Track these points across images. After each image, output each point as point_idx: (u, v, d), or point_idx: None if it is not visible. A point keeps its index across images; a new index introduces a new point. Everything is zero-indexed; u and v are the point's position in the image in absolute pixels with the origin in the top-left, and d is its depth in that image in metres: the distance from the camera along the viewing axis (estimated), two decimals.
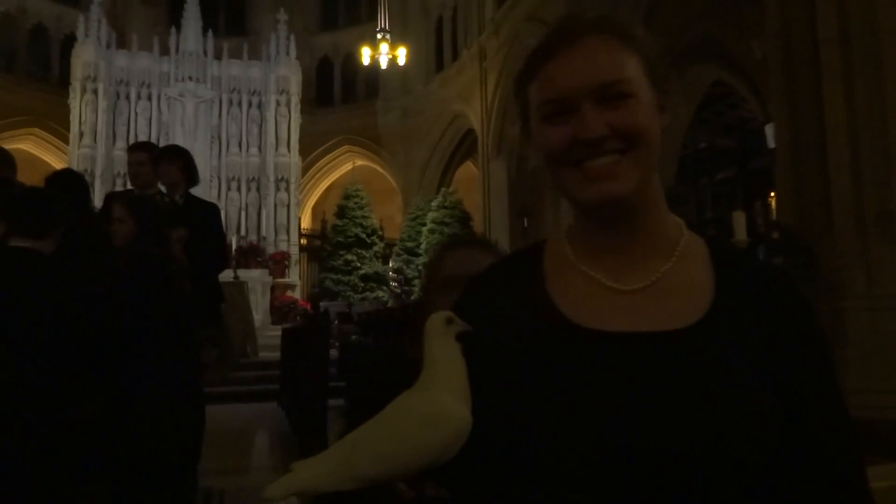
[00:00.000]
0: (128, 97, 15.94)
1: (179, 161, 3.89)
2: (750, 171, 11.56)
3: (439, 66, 18.24)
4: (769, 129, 8.56)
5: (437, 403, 0.68)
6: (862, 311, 5.01)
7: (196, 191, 3.99)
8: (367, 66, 17.46)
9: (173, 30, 16.47)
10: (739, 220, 5.78)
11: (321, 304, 10.99)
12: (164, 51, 16.23)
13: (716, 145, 13.17)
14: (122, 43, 16.40)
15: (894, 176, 4.98)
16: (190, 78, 16.12)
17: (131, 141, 15.43)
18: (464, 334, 0.76)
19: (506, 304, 0.83)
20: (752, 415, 0.72)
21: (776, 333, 0.77)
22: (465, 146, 17.94)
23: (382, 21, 17.06)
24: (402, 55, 16.88)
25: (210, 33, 16.56)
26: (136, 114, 15.90)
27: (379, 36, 16.83)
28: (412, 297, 15.61)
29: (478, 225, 16.02)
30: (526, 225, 14.48)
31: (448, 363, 0.70)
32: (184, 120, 15.98)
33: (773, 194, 9.51)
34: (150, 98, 16.03)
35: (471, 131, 16.85)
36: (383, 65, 16.95)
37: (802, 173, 5.67)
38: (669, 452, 0.70)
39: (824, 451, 0.77)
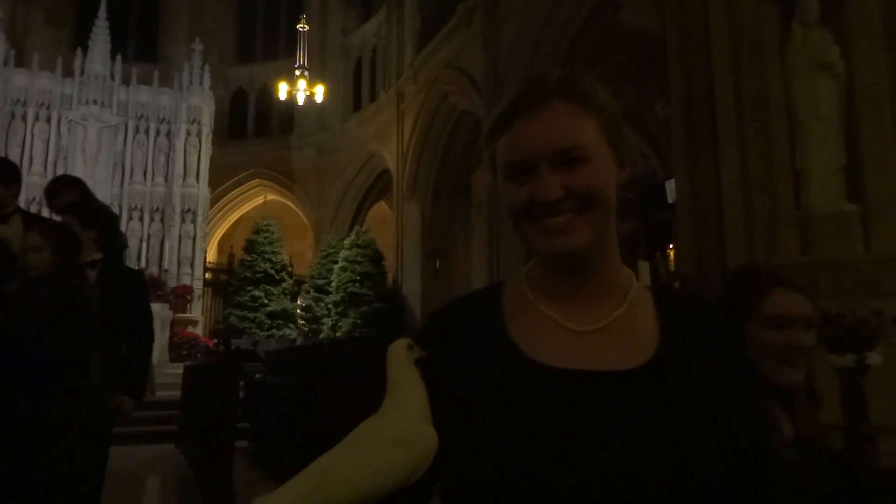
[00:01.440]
0: (24, 118, 15.09)
1: (77, 191, 3.69)
2: (651, 224, 12.25)
3: (357, 106, 18.35)
4: (669, 185, 9.11)
5: (408, 425, 0.70)
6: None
7: None
8: (283, 101, 17.35)
9: (79, 51, 15.81)
10: (644, 269, 6.11)
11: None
12: (68, 72, 15.53)
13: (620, 198, 13.84)
14: (22, 61, 15.59)
15: (781, 234, 5.41)
16: (94, 102, 15.47)
17: (25, 163, 14.59)
18: (422, 361, 0.78)
19: (467, 338, 0.88)
20: (694, 445, 0.79)
21: (715, 372, 0.85)
22: (379, 185, 18.02)
23: (301, 58, 17.06)
24: (319, 93, 16.92)
25: (119, 58, 16.01)
26: (33, 136, 15.05)
27: (297, 72, 16.81)
28: (320, 336, 15.33)
29: (390, 265, 16.02)
30: (438, 266, 14.62)
31: (412, 388, 0.73)
32: (85, 145, 15.25)
33: (671, 246, 10.09)
34: (48, 120, 15.23)
35: (386, 171, 16.97)
36: (300, 101, 16.91)
37: (700, 227, 6.07)
38: (619, 484, 0.75)
39: (762, 479, 0.85)
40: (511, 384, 0.82)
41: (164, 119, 16.16)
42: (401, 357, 0.75)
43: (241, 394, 8.55)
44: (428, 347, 0.83)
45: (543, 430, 0.78)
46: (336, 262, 16.00)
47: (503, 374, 0.83)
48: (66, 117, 15.29)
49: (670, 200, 8.76)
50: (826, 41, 5.37)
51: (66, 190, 3.72)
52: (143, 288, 3.66)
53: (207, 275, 17.51)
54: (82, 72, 15.52)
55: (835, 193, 5.29)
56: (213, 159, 16.77)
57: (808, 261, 5.27)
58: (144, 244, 15.49)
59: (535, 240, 0.85)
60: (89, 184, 14.43)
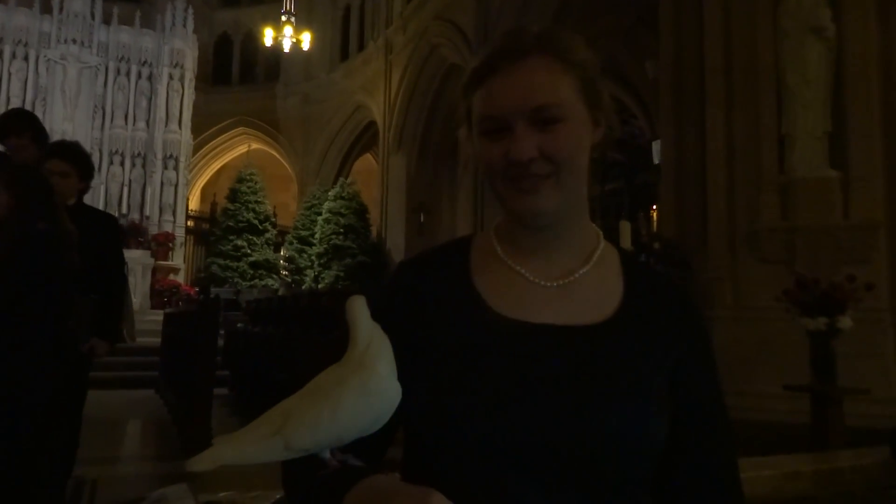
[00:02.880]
0: (0, 55, 14.67)
1: (29, 132, 3.58)
2: (637, 185, 12.26)
3: (344, 56, 18.02)
4: (656, 146, 9.11)
5: (372, 374, 0.71)
6: (728, 320, 5.45)
7: None
8: (268, 47, 17.00)
9: None
10: (625, 229, 6.14)
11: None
12: (46, 9, 15.06)
13: (606, 158, 13.89)
14: None
15: (763, 200, 5.45)
16: (74, 41, 15.05)
17: (2, 103, 14.24)
18: (388, 314, 0.78)
19: (433, 290, 0.89)
20: (651, 400, 0.81)
21: (673, 333, 0.88)
22: (365, 138, 17.84)
23: (288, 3, 16.66)
24: (306, 40, 16.57)
25: None
26: (10, 74, 14.68)
27: (283, 18, 16.43)
28: (303, 287, 15.36)
29: (374, 218, 15.98)
30: (422, 220, 14.61)
31: (376, 340, 0.73)
32: (64, 86, 14.89)
33: (655, 207, 10.14)
34: (26, 58, 14.82)
35: (372, 123, 16.78)
36: (286, 48, 16.58)
37: (683, 191, 6.09)
38: (582, 433, 0.77)
39: (706, 438, 0.88)
40: (474, 336, 0.83)
41: (145, 62, 15.78)
42: (363, 309, 0.75)
43: (222, 342, 8.60)
44: (394, 298, 0.82)
45: (505, 382, 0.79)
46: (320, 214, 15.93)
47: (467, 326, 0.84)
48: (45, 56, 14.88)
49: (656, 161, 8.77)
50: (819, 4, 5.33)
51: (16, 131, 3.59)
52: (116, 232, 3.63)
53: (189, 223, 17.37)
54: (61, 9, 15.05)
55: (817, 159, 5.32)
56: (196, 106, 16.47)
57: (787, 226, 5.33)
58: (126, 189, 15.30)
59: (507, 197, 0.85)
60: (69, 126, 14.10)
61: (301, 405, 0.70)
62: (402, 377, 0.75)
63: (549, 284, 0.87)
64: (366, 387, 0.70)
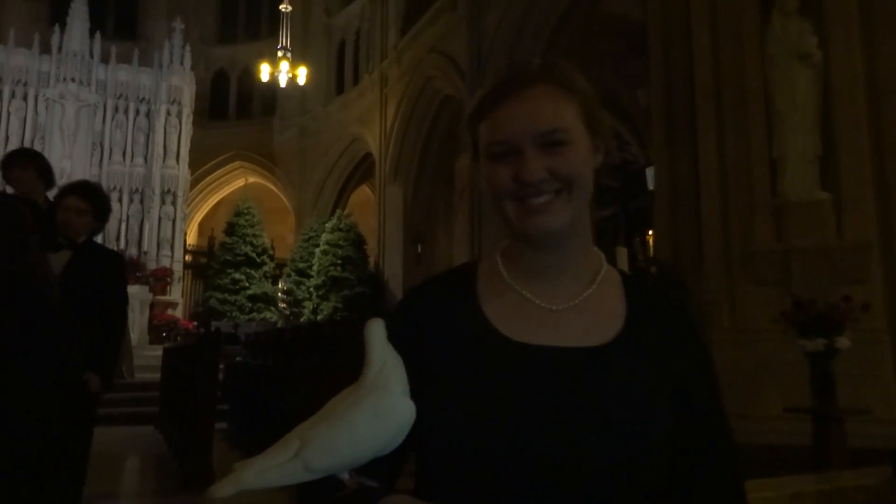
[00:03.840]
0: (0, 95, 14.83)
1: (33, 166, 3.65)
2: (632, 210, 12.34)
3: (339, 89, 18.23)
4: (650, 172, 9.20)
5: (385, 395, 0.73)
6: (727, 343, 5.46)
7: None
8: (264, 82, 17.20)
9: (57, 28, 15.54)
10: (622, 254, 6.18)
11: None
12: (46, 49, 15.27)
13: (601, 184, 14.02)
14: None
15: (757, 222, 5.50)
16: (73, 79, 15.25)
17: (1, 142, 14.36)
18: (398, 338, 0.81)
19: (442, 315, 0.91)
20: (655, 420, 0.84)
21: (675, 353, 0.90)
22: (361, 169, 17.96)
23: (284, 39, 16.90)
24: (302, 74, 16.78)
25: (98, 35, 15.77)
26: (9, 113, 14.84)
27: (280, 54, 16.66)
28: (302, 319, 15.33)
29: (372, 249, 16.02)
30: (419, 250, 14.65)
31: (390, 362, 0.76)
32: (63, 124, 15.05)
33: (651, 232, 10.19)
34: (25, 98, 15.00)
35: (368, 155, 16.91)
36: (282, 83, 16.77)
37: (678, 214, 6.14)
38: (587, 453, 0.80)
39: (710, 457, 0.89)
40: (484, 359, 0.86)
41: (143, 98, 15.97)
42: (379, 332, 0.78)
43: (221, 376, 8.56)
44: (404, 324, 0.85)
45: (514, 404, 0.82)
46: (318, 246, 15.97)
47: (477, 350, 0.87)
48: (44, 95, 15.06)
49: (650, 187, 8.85)
50: (805, 31, 5.44)
51: (20, 165, 3.65)
52: (119, 270, 3.65)
53: (187, 257, 17.40)
54: (60, 49, 15.28)
55: (809, 182, 5.38)
56: (193, 140, 16.61)
57: (782, 247, 5.37)
58: (123, 225, 15.36)
59: (517, 219, 0.89)
60: (67, 164, 14.25)
61: (318, 428, 0.72)
62: (415, 400, 0.78)
63: (554, 308, 0.90)
64: (380, 408, 0.73)
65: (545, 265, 0.92)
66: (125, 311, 3.66)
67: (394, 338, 0.81)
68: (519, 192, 0.87)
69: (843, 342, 4.08)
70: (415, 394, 0.79)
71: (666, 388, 0.87)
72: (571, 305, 0.91)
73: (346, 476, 0.74)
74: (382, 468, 0.80)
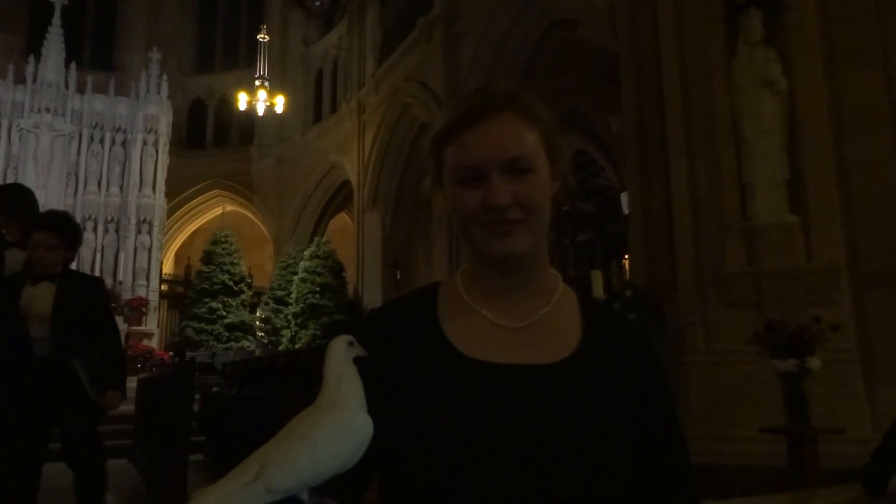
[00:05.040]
0: None
1: (14, 213, 3.67)
2: (608, 235, 12.48)
3: (317, 117, 18.30)
4: (624, 197, 9.33)
5: (344, 411, 0.74)
6: (701, 364, 5.52)
7: None
8: (242, 111, 17.22)
9: (32, 58, 15.47)
10: (597, 278, 6.24)
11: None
12: (20, 79, 15.17)
13: (577, 209, 14.17)
14: None
15: (728, 244, 5.59)
16: (48, 110, 15.14)
17: None
18: (360, 359, 0.82)
19: (403, 335, 0.94)
20: (609, 436, 0.86)
21: (630, 368, 0.94)
22: (340, 197, 17.97)
23: (261, 68, 16.98)
24: (280, 103, 16.84)
25: (73, 65, 15.71)
26: None
27: (257, 83, 16.71)
28: (280, 347, 15.18)
29: (350, 276, 15.97)
30: (399, 278, 14.62)
31: (348, 380, 0.77)
32: (37, 154, 14.90)
33: (626, 257, 10.31)
34: None
35: (346, 183, 16.94)
36: (260, 111, 16.81)
37: (652, 238, 6.23)
38: (546, 467, 0.82)
39: (668, 466, 0.94)
40: (443, 378, 0.88)
41: (119, 128, 15.89)
42: (339, 351, 0.79)
43: (197, 407, 8.43)
44: (367, 344, 0.87)
45: (473, 421, 0.84)
46: (296, 274, 15.88)
47: (436, 369, 0.89)
48: (18, 125, 14.92)
49: (625, 211, 8.96)
50: (769, 60, 5.60)
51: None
52: (102, 293, 3.89)
53: (163, 287, 17.19)
54: (35, 79, 15.19)
55: (778, 205, 5.49)
56: (170, 169, 16.53)
57: (753, 270, 5.46)
58: (98, 255, 15.17)
59: (483, 243, 0.92)
60: (41, 194, 14.10)
61: (278, 448, 0.73)
62: (376, 419, 0.79)
63: (512, 326, 0.93)
64: (339, 424, 0.74)
65: (504, 286, 0.95)
66: (117, 332, 3.89)
67: (355, 359, 0.83)
68: (486, 216, 0.90)
69: (815, 362, 4.15)
70: (377, 412, 0.80)
71: (623, 401, 0.90)
72: (529, 324, 0.93)
73: (305, 497, 0.75)
74: (344, 488, 0.81)
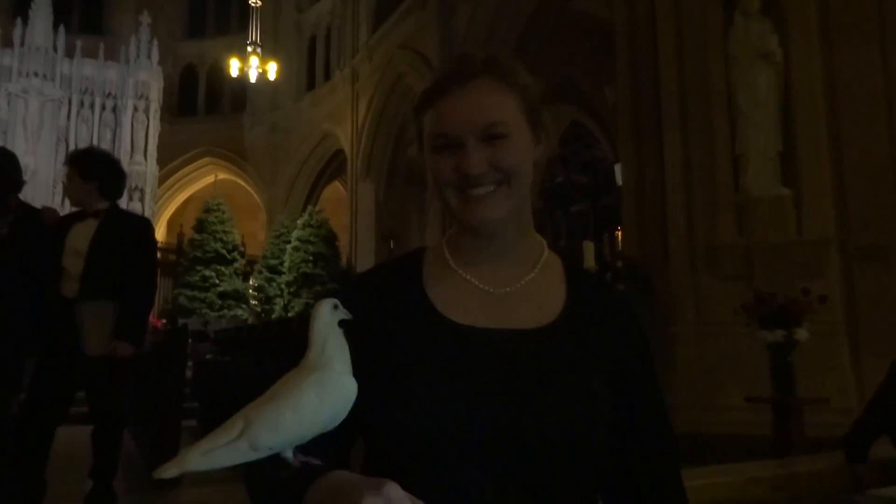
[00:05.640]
0: None
1: None
2: (601, 206, 12.49)
3: (311, 85, 18.11)
4: (618, 169, 9.32)
5: (327, 373, 0.76)
6: (691, 336, 5.58)
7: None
8: (234, 78, 17.02)
9: (19, 21, 15.19)
10: (589, 249, 6.27)
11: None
12: (7, 43, 14.92)
13: (571, 181, 14.15)
14: None
15: (720, 218, 5.62)
16: (36, 74, 14.93)
17: None
18: (346, 322, 0.82)
19: (389, 300, 0.94)
20: (593, 400, 0.88)
21: (614, 336, 0.95)
22: (333, 166, 17.87)
23: (254, 34, 16.73)
24: (272, 70, 16.64)
25: (62, 29, 15.45)
26: None
27: (249, 49, 16.49)
28: (273, 316, 15.22)
29: (343, 245, 15.96)
30: (392, 247, 14.63)
31: (334, 343, 0.78)
32: (26, 119, 14.73)
33: (619, 228, 10.33)
34: None
35: (340, 151, 16.84)
36: (252, 78, 16.61)
37: (645, 211, 6.25)
38: (525, 431, 0.83)
39: (649, 436, 0.95)
40: (428, 342, 0.89)
41: (109, 94, 15.71)
42: (325, 314, 0.80)
43: (191, 374, 8.48)
44: (352, 308, 0.85)
45: (457, 385, 0.85)
46: (289, 243, 15.86)
47: (421, 333, 0.90)
48: (6, 90, 14.72)
49: (619, 183, 8.96)
50: (766, 31, 5.56)
51: None
52: (140, 237, 3.56)
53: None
54: (22, 43, 14.94)
55: (771, 178, 5.51)
56: (162, 137, 16.38)
57: (744, 243, 5.49)
58: None
59: (459, 209, 0.92)
60: (31, 160, 13.97)
61: (263, 407, 0.74)
62: (361, 382, 0.80)
63: (496, 291, 0.93)
64: (323, 384, 0.75)
65: (487, 252, 0.95)
66: (151, 278, 3.61)
67: (341, 322, 0.84)
68: (461, 183, 0.90)
69: (802, 334, 4.20)
70: (362, 377, 0.81)
71: (605, 369, 0.91)
72: (513, 289, 0.94)
73: (290, 455, 0.76)
74: (327, 449, 0.82)
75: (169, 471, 0.70)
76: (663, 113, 5.99)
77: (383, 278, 0.99)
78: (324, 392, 0.75)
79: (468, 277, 0.95)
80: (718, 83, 5.69)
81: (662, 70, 6.01)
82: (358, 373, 0.80)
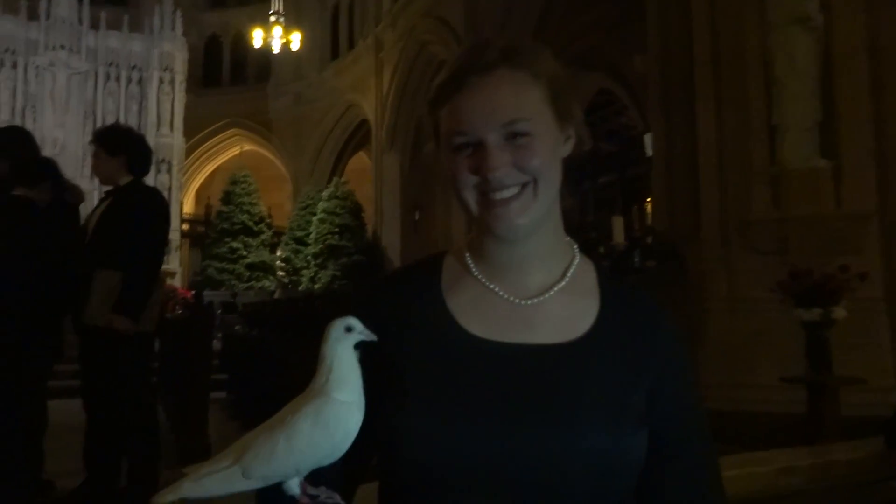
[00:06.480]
0: None
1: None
2: (629, 178, 12.26)
3: (334, 54, 17.96)
4: (648, 139, 9.10)
5: (327, 402, 0.71)
6: (723, 312, 5.46)
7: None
8: (258, 48, 16.93)
9: None
10: (618, 224, 6.15)
11: (205, 293, 10.58)
12: (33, 15, 14.98)
13: (599, 150, 13.91)
14: None
15: (754, 190, 5.45)
16: (62, 47, 14.99)
17: None
18: (361, 344, 0.76)
19: (405, 312, 0.87)
20: (625, 419, 0.80)
21: (648, 351, 0.86)
22: (358, 137, 17.80)
23: (277, 3, 16.59)
24: (295, 40, 16.51)
25: (86, 0, 15.45)
26: None
27: (272, 18, 16.36)
28: (300, 287, 15.35)
29: (369, 217, 15.96)
30: (417, 218, 14.59)
31: (342, 367, 0.73)
32: (54, 92, 14.84)
33: (649, 200, 10.14)
34: (14, 66, 14.75)
35: (364, 122, 16.74)
36: (276, 49, 16.51)
37: (675, 183, 6.09)
38: (554, 455, 0.76)
39: (687, 456, 0.86)
40: (446, 358, 0.82)
41: (135, 66, 15.74)
42: (333, 337, 0.74)
43: (220, 345, 8.59)
44: (364, 321, 0.78)
45: (475, 405, 0.78)
46: (315, 214, 15.91)
47: (438, 347, 0.83)
48: (33, 63, 14.82)
49: (649, 154, 8.77)
50: None
51: None
52: (147, 208, 3.43)
53: (184, 226, 17.35)
54: (48, 15, 14.98)
55: (809, 149, 5.31)
56: (187, 108, 16.42)
57: (779, 216, 5.33)
58: None
59: (480, 214, 0.84)
60: (60, 133, 14.12)
61: (259, 436, 0.71)
62: (373, 399, 0.74)
63: (521, 302, 0.86)
64: (319, 415, 0.70)
65: (512, 257, 0.87)
66: (153, 250, 3.44)
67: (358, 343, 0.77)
68: (481, 186, 0.82)
69: (840, 312, 4.07)
70: (376, 398, 0.75)
71: (639, 386, 0.83)
72: (540, 300, 0.86)
73: (296, 490, 0.71)
74: (339, 478, 0.77)
75: (165, 497, 0.68)
76: (696, 81, 5.79)
77: (399, 287, 0.92)
78: (322, 423, 0.70)
79: (491, 286, 0.87)
80: (754, 50, 5.47)
81: (696, 37, 5.79)
82: (370, 397, 0.74)
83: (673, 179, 6.13)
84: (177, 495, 0.68)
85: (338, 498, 0.73)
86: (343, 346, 0.73)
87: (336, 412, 0.70)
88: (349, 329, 0.74)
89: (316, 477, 0.72)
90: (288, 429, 0.69)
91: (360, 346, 0.75)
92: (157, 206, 3.52)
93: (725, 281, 5.55)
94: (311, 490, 0.73)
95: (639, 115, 12.19)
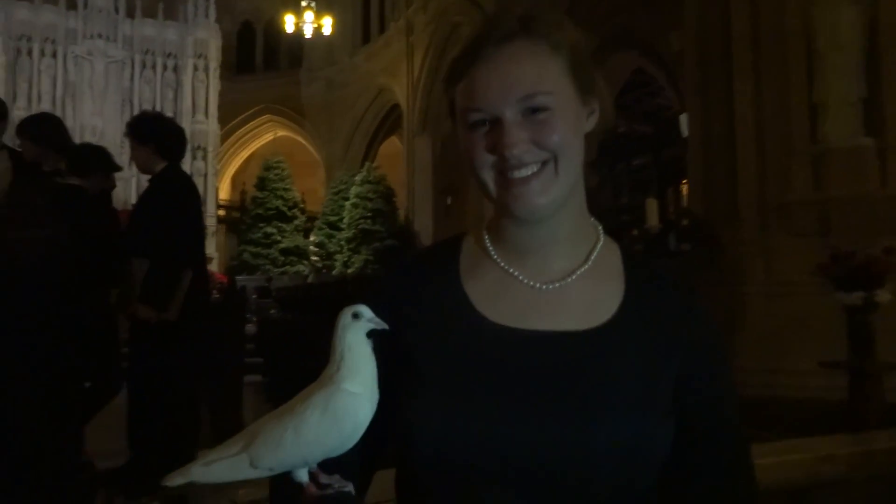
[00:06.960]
0: (30, 53, 14.92)
1: (24, 137, 3.62)
2: (665, 159, 12.02)
3: (366, 39, 17.94)
4: (683, 119, 8.90)
5: (336, 393, 0.69)
6: (760, 296, 5.32)
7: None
8: (290, 33, 16.99)
9: None
10: (652, 207, 6.04)
11: (238, 278, 10.74)
12: (71, 5, 15.25)
13: (633, 131, 13.65)
14: None
15: (794, 170, 5.28)
16: (100, 35, 15.25)
17: (34, 100, 14.51)
18: (374, 332, 0.73)
19: (423, 297, 0.84)
20: (653, 407, 0.76)
21: (677, 336, 0.81)
22: (390, 121, 17.79)
23: None
24: (327, 25, 16.51)
25: None
26: (40, 72, 14.94)
27: (304, 3, 16.38)
28: (333, 272, 15.47)
29: (401, 201, 15.97)
30: (449, 202, 14.55)
31: (353, 356, 0.71)
32: (92, 81, 15.13)
33: (685, 182, 9.94)
34: (54, 55, 15.06)
35: (396, 106, 16.71)
36: (308, 34, 16.54)
37: (712, 164, 5.94)
38: (579, 445, 0.73)
39: (716, 445, 0.81)
40: (464, 346, 0.79)
41: (170, 53, 15.95)
42: (343, 326, 0.72)
43: (255, 329, 8.71)
44: (380, 309, 0.75)
45: (496, 395, 0.75)
46: (348, 199, 15.99)
47: (457, 335, 0.80)
48: (72, 52, 15.12)
49: (684, 135, 8.57)
50: None
51: (18, 136, 3.68)
52: (178, 192, 3.42)
53: (220, 212, 17.59)
54: (86, 5, 15.24)
55: (852, 127, 5.12)
56: (221, 95, 16.60)
57: (820, 197, 5.16)
58: None
59: (498, 194, 0.79)
60: (98, 121, 14.41)
61: (269, 424, 0.69)
62: (389, 387, 0.72)
63: (542, 286, 0.82)
64: (328, 405, 0.68)
65: (533, 240, 0.83)
66: (177, 238, 3.31)
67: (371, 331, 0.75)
68: (499, 165, 0.78)
69: (884, 296, 3.93)
70: (392, 387, 0.73)
71: (667, 372, 0.79)
72: (562, 284, 0.82)
73: (305, 479, 0.70)
74: (353, 468, 0.75)
75: (174, 480, 0.68)
76: (734, 59, 5.62)
77: (414, 272, 0.88)
78: (330, 414, 0.68)
79: (511, 270, 0.83)
80: (795, 25, 5.28)
81: (734, 12, 5.62)
82: (387, 381, 0.72)
83: (709, 160, 5.98)
84: (186, 479, 0.68)
85: (350, 487, 0.71)
86: (353, 334, 0.71)
87: (345, 403, 0.68)
88: (357, 316, 0.72)
89: (331, 464, 0.70)
90: (296, 419, 0.68)
91: (375, 335, 0.73)
92: (178, 191, 3.45)
93: (763, 264, 5.41)
94: (325, 478, 0.71)
95: (675, 94, 11.92)
